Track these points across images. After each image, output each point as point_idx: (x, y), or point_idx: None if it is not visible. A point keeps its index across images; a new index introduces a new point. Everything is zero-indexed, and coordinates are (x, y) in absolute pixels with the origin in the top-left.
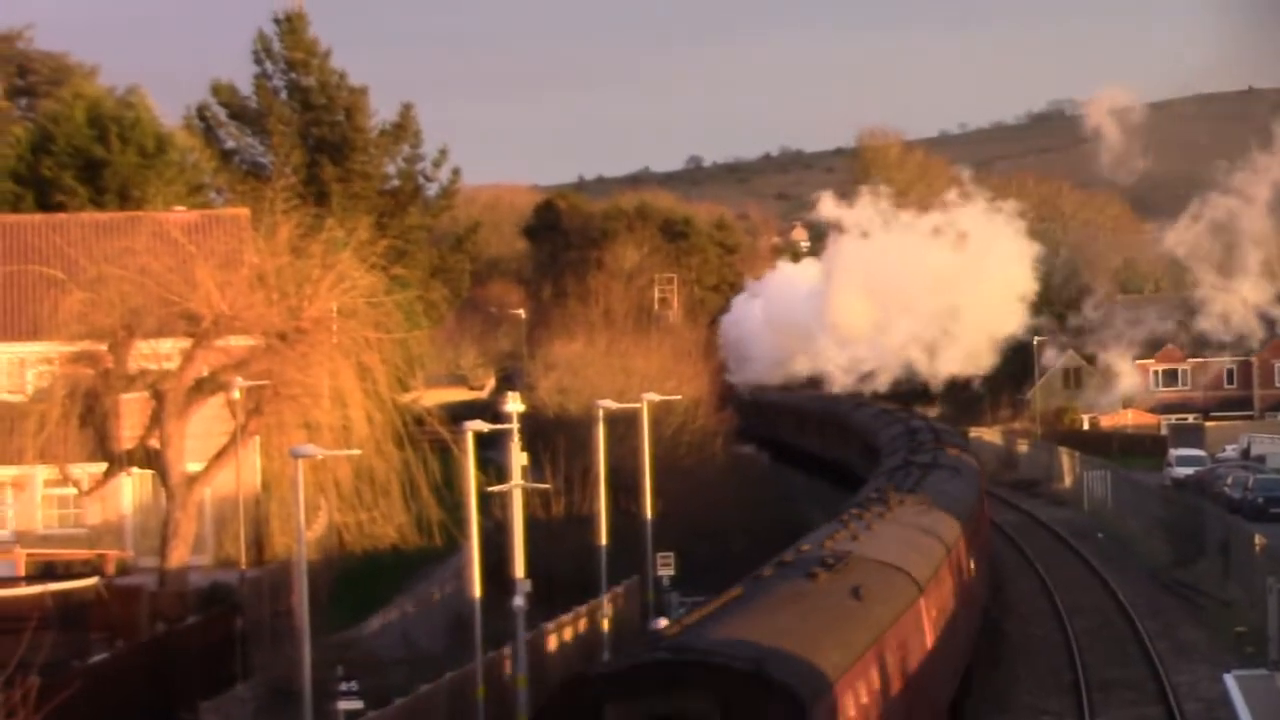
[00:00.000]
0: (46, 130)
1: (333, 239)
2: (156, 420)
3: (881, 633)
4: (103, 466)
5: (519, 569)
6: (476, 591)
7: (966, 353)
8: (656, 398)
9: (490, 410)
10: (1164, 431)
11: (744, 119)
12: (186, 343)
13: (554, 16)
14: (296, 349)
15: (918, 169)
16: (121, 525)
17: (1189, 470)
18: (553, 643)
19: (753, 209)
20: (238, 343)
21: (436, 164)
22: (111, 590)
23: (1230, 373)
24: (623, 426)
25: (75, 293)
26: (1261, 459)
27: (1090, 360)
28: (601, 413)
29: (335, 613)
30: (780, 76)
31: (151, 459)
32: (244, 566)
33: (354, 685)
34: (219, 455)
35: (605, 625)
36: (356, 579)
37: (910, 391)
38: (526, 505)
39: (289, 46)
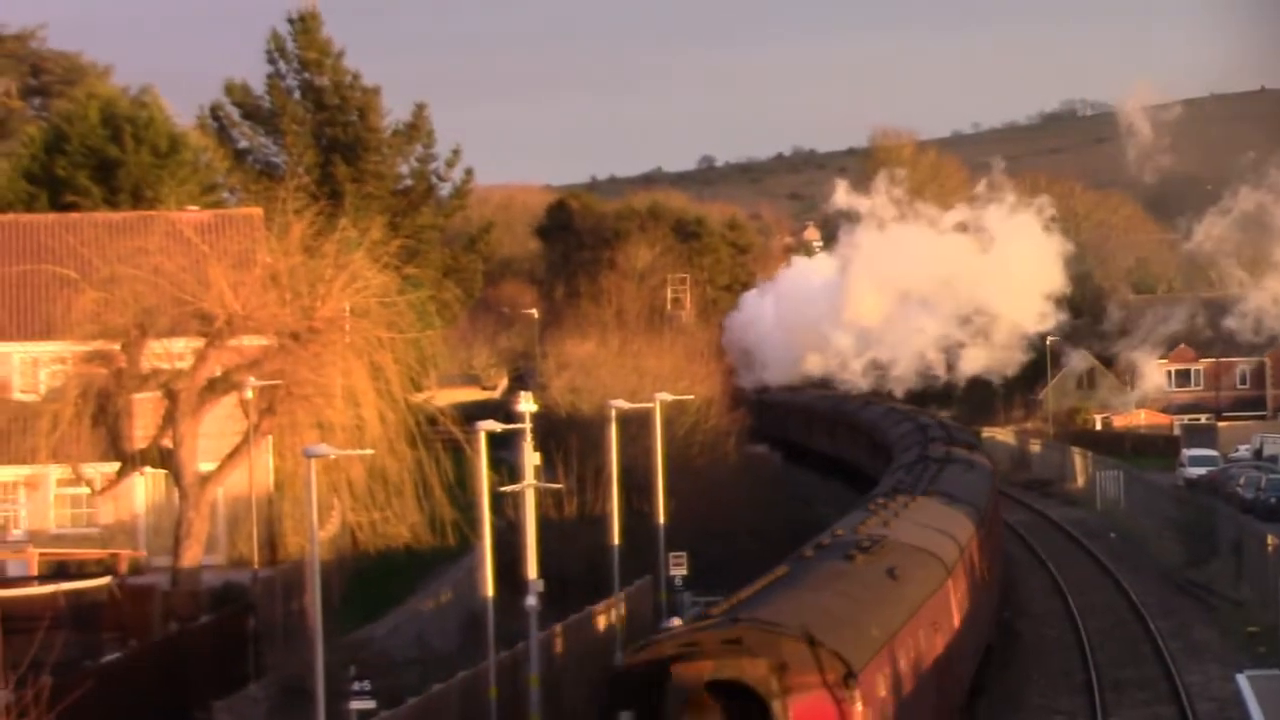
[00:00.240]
0: (60, 130)
1: (346, 239)
2: (169, 420)
3: (915, 610)
4: (115, 466)
5: (531, 569)
6: (489, 591)
7: (992, 351)
8: (669, 398)
9: (503, 410)
10: (1177, 432)
11: (756, 119)
12: (199, 342)
13: (566, 17)
14: (309, 349)
15: (930, 169)
16: (134, 525)
17: (1202, 470)
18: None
19: (765, 209)
20: (251, 342)
21: (449, 164)
22: (124, 590)
23: (1244, 373)
24: (635, 426)
25: (88, 292)
26: (1274, 459)
27: (1107, 363)
28: (614, 413)
29: (348, 612)
30: (793, 76)
31: (164, 459)
32: (257, 566)
33: (366, 685)
34: (232, 455)
35: (618, 624)
36: (369, 579)
37: (925, 391)
38: (539, 505)
39: (303, 46)
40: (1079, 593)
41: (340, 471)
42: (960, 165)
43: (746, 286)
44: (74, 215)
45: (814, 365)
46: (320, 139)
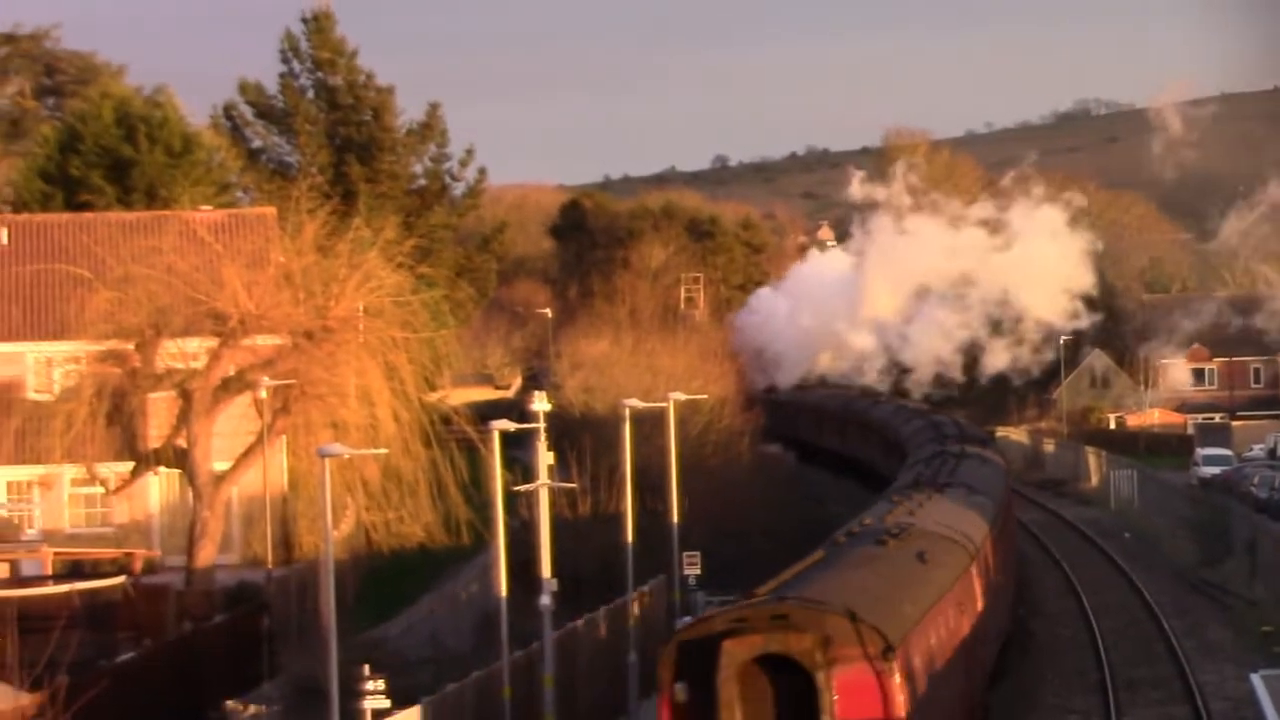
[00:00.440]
0: (75, 129)
1: (359, 238)
2: (183, 419)
3: (944, 592)
4: (130, 466)
5: (545, 568)
6: (503, 590)
7: (1018, 350)
8: (683, 397)
9: (517, 409)
10: (1191, 431)
11: (770, 118)
12: (213, 342)
13: (580, 16)
14: (323, 348)
15: (944, 168)
16: (149, 524)
17: (1216, 470)
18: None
19: (779, 208)
20: (264, 342)
21: (463, 163)
22: (138, 589)
23: (1257, 371)
24: (649, 426)
25: (103, 292)
26: None
27: (1120, 361)
28: (628, 412)
29: (362, 612)
30: (806, 76)
31: (179, 458)
32: (271, 566)
33: (380, 684)
34: (246, 454)
35: (631, 624)
36: (383, 578)
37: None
38: (553, 504)
39: (316, 46)
40: (1093, 592)
41: (355, 471)
42: (974, 164)
43: (760, 286)
44: (88, 215)
45: (830, 365)
46: (334, 138)
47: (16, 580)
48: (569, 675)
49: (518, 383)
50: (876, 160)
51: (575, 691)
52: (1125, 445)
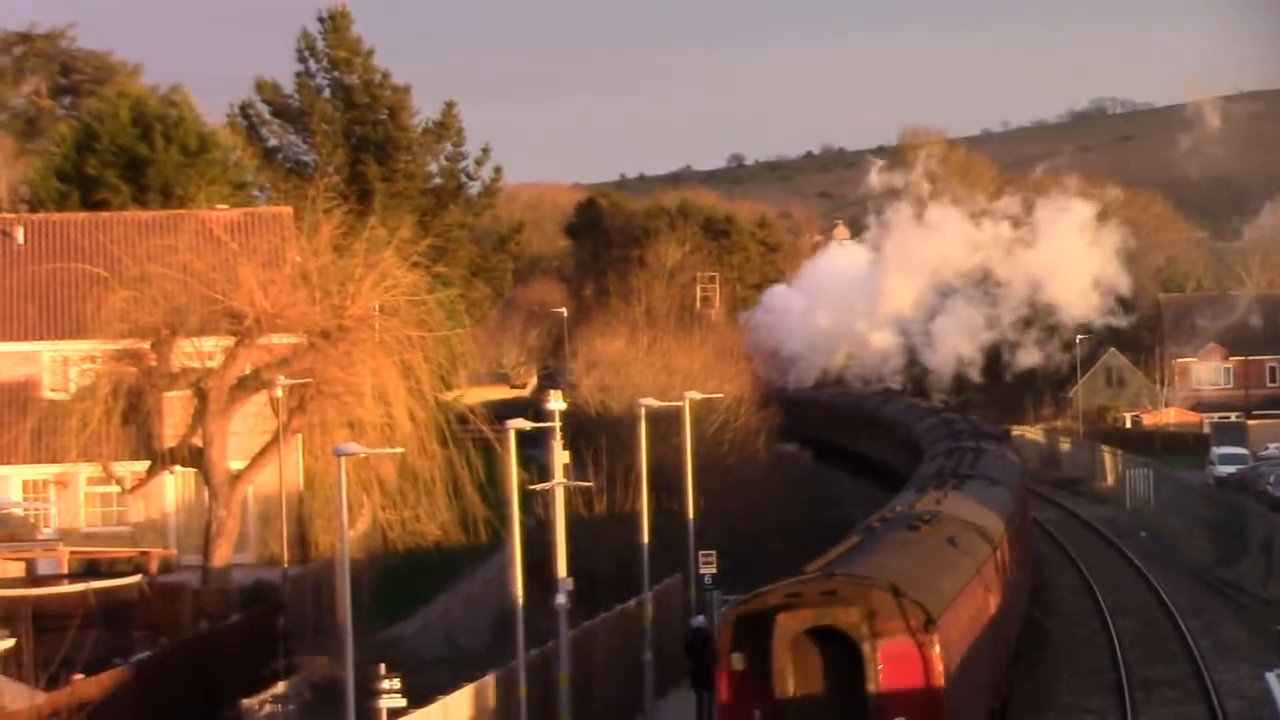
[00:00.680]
0: (91, 129)
1: (375, 237)
2: (199, 418)
3: (974, 573)
4: (146, 464)
5: (561, 567)
6: (519, 589)
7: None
8: (698, 396)
9: (533, 408)
10: (1206, 430)
11: (786, 117)
12: (229, 341)
13: (596, 15)
14: (339, 347)
15: (960, 166)
16: (165, 523)
17: (1231, 468)
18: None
19: (795, 207)
20: (280, 341)
21: (479, 162)
22: (154, 588)
23: (1274, 370)
24: (664, 425)
25: (119, 291)
26: None
27: (1136, 361)
28: (644, 411)
29: (378, 611)
30: (822, 75)
31: (194, 457)
32: (287, 565)
33: (396, 683)
34: (262, 453)
35: (647, 623)
36: (399, 577)
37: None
38: (569, 503)
39: (332, 45)
40: (1109, 591)
41: (371, 470)
42: (990, 164)
43: (776, 285)
44: (104, 214)
45: (847, 363)
46: (350, 138)
47: (32, 579)
48: (585, 674)
49: (533, 382)
50: (892, 159)
51: (591, 690)
52: (1141, 444)
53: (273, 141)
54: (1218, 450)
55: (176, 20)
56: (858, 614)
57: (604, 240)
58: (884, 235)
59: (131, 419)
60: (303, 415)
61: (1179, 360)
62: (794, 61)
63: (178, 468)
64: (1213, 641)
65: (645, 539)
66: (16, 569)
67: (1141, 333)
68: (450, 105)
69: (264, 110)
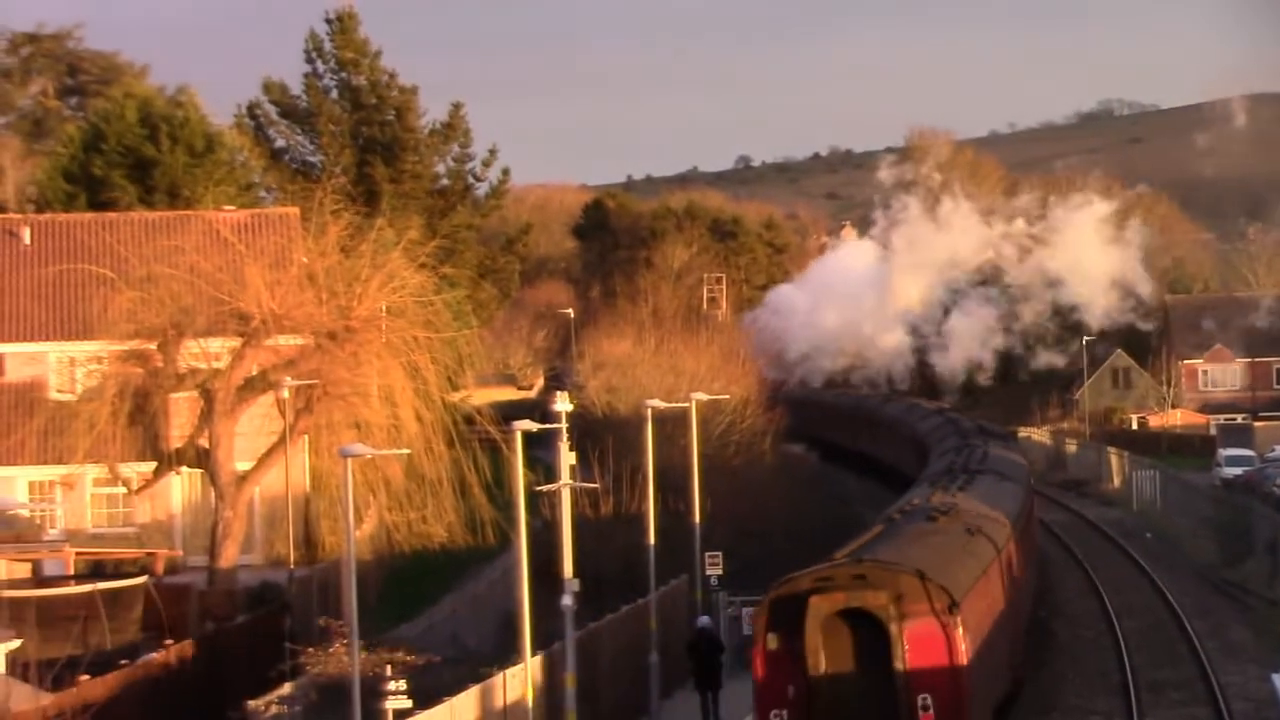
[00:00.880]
0: (98, 129)
1: (382, 238)
2: (206, 419)
3: (990, 561)
4: (152, 466)
5: (568, 568)
6: (525, 591)
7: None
8: (705, 397)
9: (539, 409)
10: (1213, 431)
11: (793, 118)
12: (236, 342)
13: (603, 16)
14: (346, 348)
15: (968, 168)
16: (171, 524)
17: (1238, 470)
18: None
19: (802, 209)
20: (287, 342)
21: (486, 164)
22: (160, 589)
23: (1279, 372)
24: (671, 426)
25: (125, 291)
26: None
27: (1142, 362)
28: (650, 412)
29: (384, 611)
30: (830, 76)
31: (201, 458)
32: (293, 566)
33: (401, 685)
34: (268, 454)
35: (652, 624)
36: (405, 578)
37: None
38: (575, 504)
39: (340, 46)
40: (1115, 593)
41: (377, 471)
42: (997, 164)
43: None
44: (111, 215)
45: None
46: (357, 138)
47: (39, 580)
48: (590, 675)
49: (540, 383)
50: (900, 159)
51: (597, 692)
52: (1147, 446)
53: (280, 142)
54: (1224, 452)
55: (184, 21)
56: (886, 597)
57: (611, 241)
58: (893, 229)
59: (138, 420)
60: (309, 416)
61: (1186, 362)
62: (801, 63)
63: (184, 469)
64: (1219, 643)
65: (651, 540)
66: (23, 570)
67: (1148, 334)
68: (457, 106)
69: (271, 111)
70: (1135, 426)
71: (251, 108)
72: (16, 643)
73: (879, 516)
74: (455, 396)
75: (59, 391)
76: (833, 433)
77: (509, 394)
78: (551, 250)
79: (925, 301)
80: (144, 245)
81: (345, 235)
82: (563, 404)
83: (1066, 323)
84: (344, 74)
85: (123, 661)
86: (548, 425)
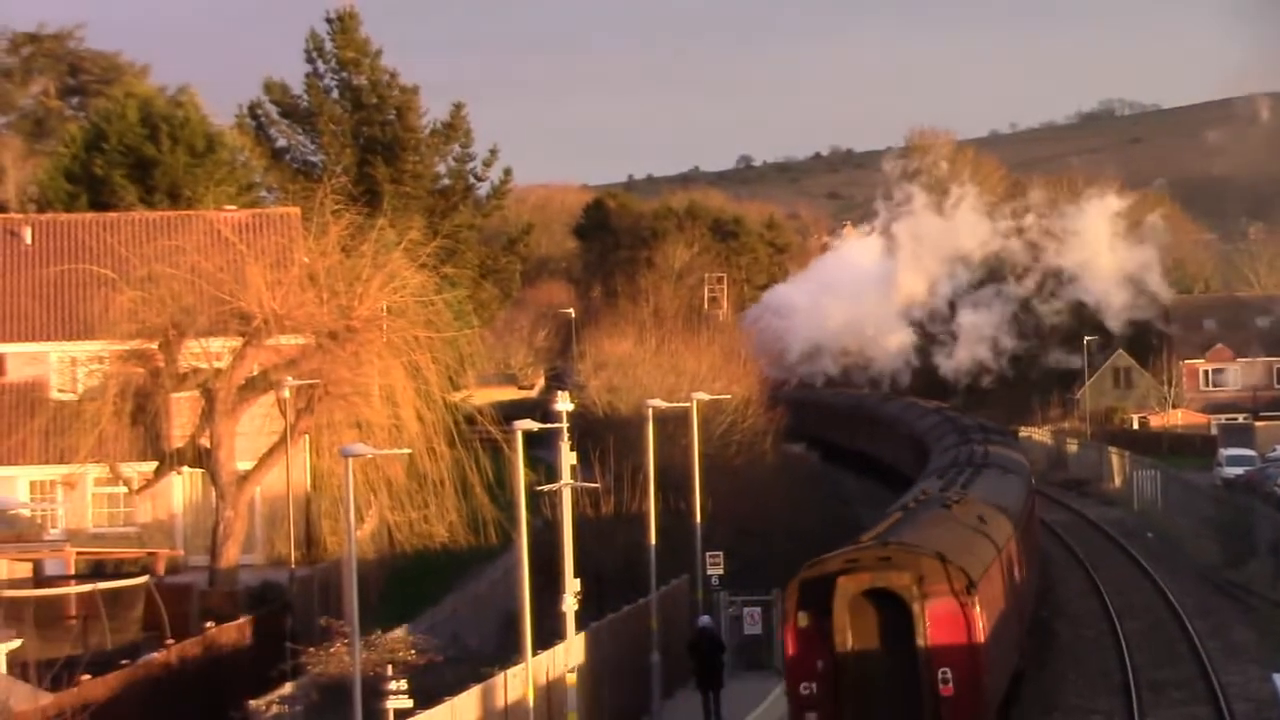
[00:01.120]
0: (100, 129)
1: (383, 238)
2: (207, 419)
3: (1002, 547)
4: (153, 465)
5: (568, 568)
6: (526, 591)
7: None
8: (706, 397)
9: (540, 409)
10: (1214, 431)
11: (794, 118)
12: (237, 342)
13: (605, 15)
14: (347, 348)
15: (968, 168)
16: (172, 524)
17: (1239, 470)
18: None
19: (803, 208)
20: (288, 342)
21: (487, 164)
22: (161, 589)
23: (1279, 371)
24: (672, 426)
25: (126, 291)
26: None
27: (1142, 363)
28: (651, 412)
29: (385, 611)
30: (831, 76)
31: (202, 458)
32: (294, 565)
33: (402, 684)
34: (269, 454)
35: (653, 624)
36: (407, 578)
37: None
38: (576, 504)
39: (340, 46)
40: (1116, 593)
41: (378, 471)
42: (998, 164)
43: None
44: (112, 214)
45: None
46: (358, 138)
47: (39, 580)
48: (592, 675)
49: (541, 383)
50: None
51: (599, 691)
52: (1148, 446)
53: (281, 142)
54: (1225, 452)
55: (184, 21)
56: (909, 578)
57: (612, 241)
58: (898, 221)
59: (139, 420)
60: (310, 416)
61: (1187, 362)
62: (802, 63)
63: (185, 468)
64: (1220, 643)
65: (652, 540)
66: (24, 570)
67: (1149, 334)
68: (458, 106)
69: (272, 111)
70: (1136, 426)
71: (252, 107)
72: (17, 642)
73: (894, 505)
74: (456, 396)
75: (60, 391)
76: (831, 432)
77: (510, 394)
78: (553, 250)
79: (931, 295)
80: (145, 245)
81: (346, 235)
82: (564, 404)
83: (1083, 320)
84: (345, 74)
85: (123, 661)
86: (549, 425)
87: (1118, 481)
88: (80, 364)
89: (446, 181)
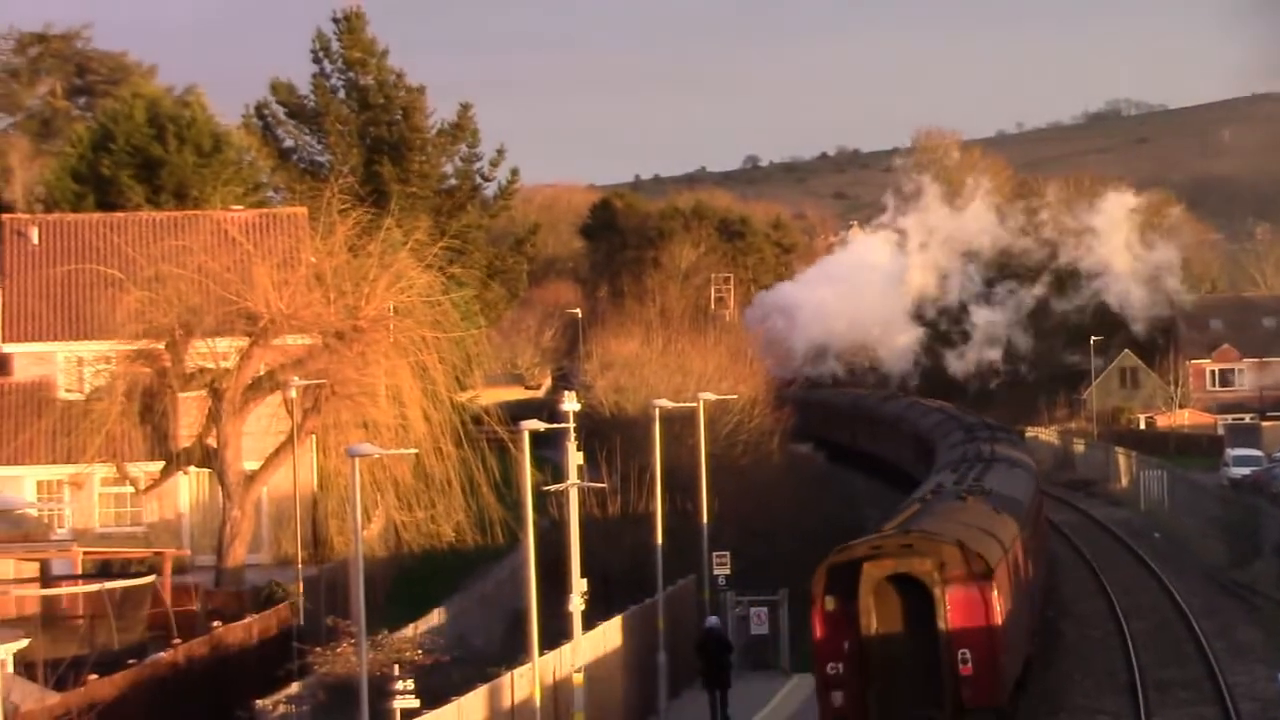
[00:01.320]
0: (107, 129)
1: (390, 238)
2: (214, 419)
3: (1016, 536)
4: (160, 465)
5: (575, 568)
6: (532, 591)
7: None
8: (713, 397)
9: (547, 409)
10: (1221, 431)
11: (801, 119)
12: (244, 341)
13: (611, 16)
14: (354, 348)
15: (975, 169)
16: (179, 524)
17: (1246, 470)
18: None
19: (810, 208)
20: (295, 342)
21: (494, 164)
22: (168, 589)
23: None
24: (679, 426)
25: (134, 291)
26: None
27: (1148, 363)
28: (658, 412)
29: (392, 611)
30: (837, 76)
31: (209, 457)
32: (300, 565)
33: (409, 684)
34: (276, 454)
35: (660, 624)
36: (414, 578)
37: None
38: (583, 504)
39: (347, 46)
40: (1123, 593)
41: (385, 471)
42: (1005, 165)
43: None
44: (119, 215)
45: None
46: (365, 138)
47: (46, 579)
48: (599, 675)
49: (548, 383)
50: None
51: (606, 691)
52: (1155, 446)
53: (288, 142)
54: (1232, 452)
55: (191, 21)
56: (930, 564)
57: (619, 241)
58: (908, 214)
59: (146, 419)
60: (317, 416)
61: (1194, 361)
62: (809, 63)
63: (192, 468)
64: (1227, 643)
65: (659, 540)
66: (31, 569)
67: (1155, 334)
68: (465, 106)
69: (279, 111)
70: (1143, 426)
71: (259, 108)
72: (24, 642)
73: (911, 497)
74: (463, 396)
75: (67, 391)
76: (835, 432)
77: (517, 394)
78: (559, 250)
79: (943, 290)
80: (152, 245)
81: (353, 235)
82: (570, 404)
83: (1104, 320)
84: (351, 74)
85: (130, 661)
86: (555, 425)
87: (1124, 482)
88: (87, 364)
89: (453, 181)
